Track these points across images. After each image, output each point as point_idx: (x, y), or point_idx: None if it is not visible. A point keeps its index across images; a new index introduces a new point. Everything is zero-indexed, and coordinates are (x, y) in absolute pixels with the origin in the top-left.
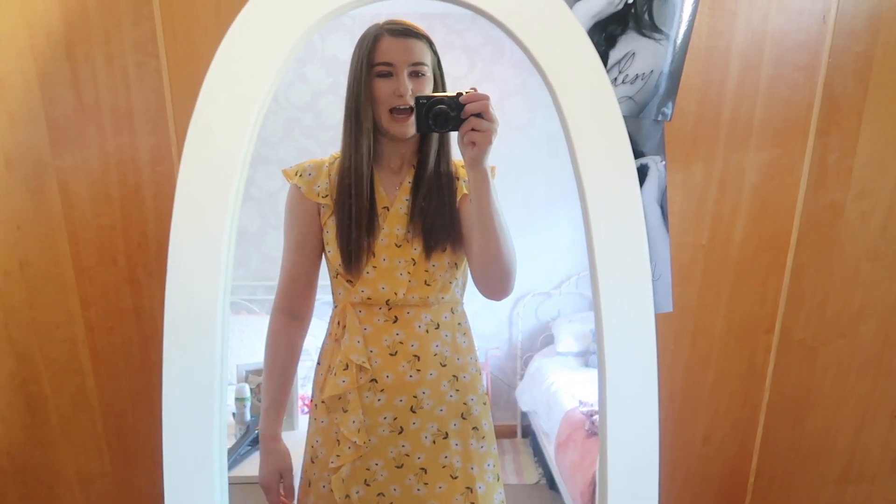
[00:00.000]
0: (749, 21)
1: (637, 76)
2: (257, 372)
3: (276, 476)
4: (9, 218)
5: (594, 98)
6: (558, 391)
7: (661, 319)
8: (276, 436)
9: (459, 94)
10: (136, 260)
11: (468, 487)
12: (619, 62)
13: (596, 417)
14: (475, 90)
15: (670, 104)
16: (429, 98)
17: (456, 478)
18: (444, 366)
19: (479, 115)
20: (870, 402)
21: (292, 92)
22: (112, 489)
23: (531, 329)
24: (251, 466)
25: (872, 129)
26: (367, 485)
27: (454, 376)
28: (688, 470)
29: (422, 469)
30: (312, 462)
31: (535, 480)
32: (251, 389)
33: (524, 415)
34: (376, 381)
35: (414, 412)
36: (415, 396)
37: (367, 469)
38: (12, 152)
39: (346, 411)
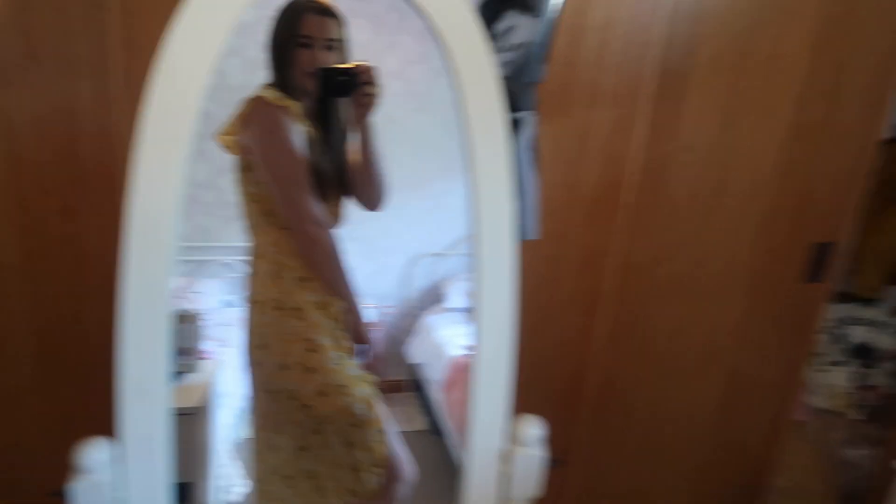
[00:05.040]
0: (605, 5)
1: (517, 45)
2: None
3: None
4: None
5: (480, 64)
6: (446, 342)
7: (531, 245)
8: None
9: (353, 67)
10: (69, 193)
11: None
12: (503, 33)
13: None
14: (364, 63)
15: (542, 69)
16: (333, 70)
17: None
18: None
19: (368, 84)
20: (683, 316)
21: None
22: (38, 403)
23: (424, 288)
24: None
25: (695, 97)
26: None
27: None
28: (542, 370)
29: None
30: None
31: (420, 428)
32: None
33: (412, 369)
34: None
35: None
36: None
37: None
38: None
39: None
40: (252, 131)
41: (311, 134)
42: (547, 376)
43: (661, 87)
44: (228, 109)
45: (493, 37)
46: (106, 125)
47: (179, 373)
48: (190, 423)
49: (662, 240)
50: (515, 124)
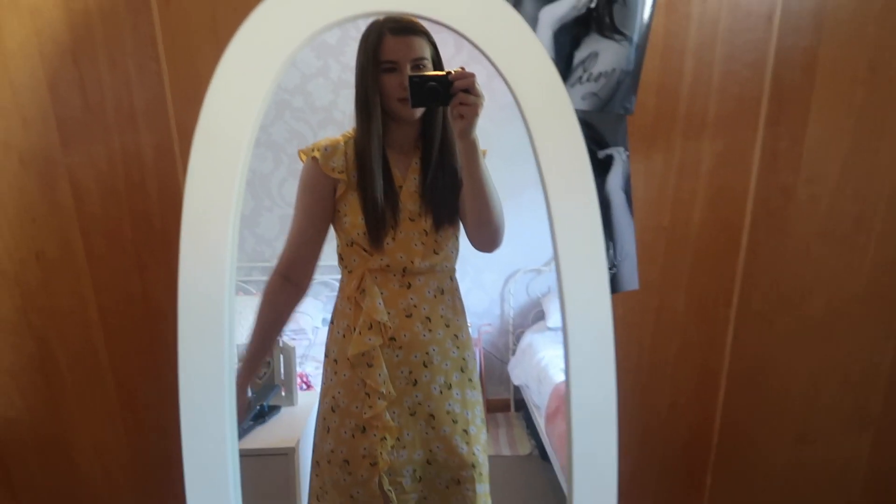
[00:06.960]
0: (701, 22)
1: (600, 74)
2: None
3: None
4: (24, 212)
5: (551, 103)
6: (548, 365)
7: (628, 296)
8: (245, 388)
9: (448, 73)
10: (142, 247)
11: (465, 430)
12: (583, 62)
13: None
14: (463, 69)
15: (632, 99)
16: (421, 77)
17: (456, 422)
18: (448, 326)
19: (466, 91)
20: (821, 368)
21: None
22: (125, 456)
23: (522, 305)
24: (253, 440)
25: (819, 119)
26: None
27: (455, 335)
28: (655, 434)
29: (430, 415)
30: (333, 411)
31: (528, 451)
32: None
33: (516, 389)
34: (395, 339)
35: (426, 366)
36: (426, 353)
37: (388, 417)
38: (25, 152)
39: (371, 366)
40: None
41: (362, 182)
42: (662, 439)
43: (775, 110)
44: (315, 130)
45: (573, 67)
46: (170, 178)
47: (276, 406)
48: (281, 464)
49: (791, 284)
50: (604, 163)
